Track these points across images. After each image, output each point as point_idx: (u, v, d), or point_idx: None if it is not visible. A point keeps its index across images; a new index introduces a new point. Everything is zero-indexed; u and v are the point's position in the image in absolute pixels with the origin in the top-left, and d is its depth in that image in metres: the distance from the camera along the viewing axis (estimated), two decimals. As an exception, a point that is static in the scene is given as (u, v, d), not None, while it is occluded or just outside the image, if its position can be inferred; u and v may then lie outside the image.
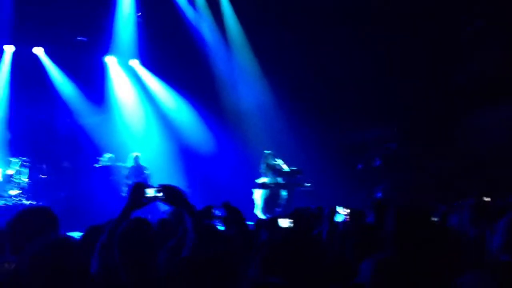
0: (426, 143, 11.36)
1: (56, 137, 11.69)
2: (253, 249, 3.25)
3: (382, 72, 11.42)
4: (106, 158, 10.87)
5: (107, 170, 10.74)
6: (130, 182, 10.09)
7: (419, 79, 11.34)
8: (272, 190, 10.03)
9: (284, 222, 3.76)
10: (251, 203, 10.23)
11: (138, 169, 10.50)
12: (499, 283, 1.29)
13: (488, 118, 11.13)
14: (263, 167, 10.28)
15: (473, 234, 3.36)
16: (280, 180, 10.17)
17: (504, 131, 10.74)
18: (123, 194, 10.58)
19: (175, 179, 11.25)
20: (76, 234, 3.34)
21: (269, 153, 10.32)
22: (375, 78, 11.51)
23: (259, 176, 10.45)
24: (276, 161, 10.35)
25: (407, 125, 11.75)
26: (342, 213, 5.91)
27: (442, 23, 11.04)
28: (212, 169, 11.88)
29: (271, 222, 3.85)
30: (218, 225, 5.44)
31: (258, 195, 10.18)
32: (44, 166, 10.63)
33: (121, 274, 2.62)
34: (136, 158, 10.65)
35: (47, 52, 11.70)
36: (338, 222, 5.17)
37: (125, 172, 10.75)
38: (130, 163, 10.72)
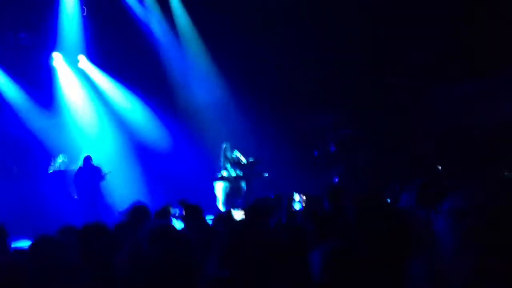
0: (380, 126, 11.60)
1: (4, 141, 11.27)
2: (211, 244, 3.27)
3: (333, 56, 11.54)
4: (58, 162, 10.58)
5: (60, 174, 10.47)
6: (81, 184, 9.83)
7: (372, 61, 11.50)
8: (232, 183, 10.06)
9: (239, 214, 3.80)
10: (214, 197, 10.23)
11: (91, 171, 10.13)
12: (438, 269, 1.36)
13: (442, 99, 11.48)
14: (222, 160, 10.29)
15: (421, 215, 3.47)
16: (238, 172, 10.21)
17: (459, 111, 11.10)
18: (75, 197, 10.37)
19: (133, 179, 11.13)
20: (26, 243, 3.25)
21: (226, 146, 10.32)
22: (327, 63, 11.62)
23: (218, 170, 10.45)
24: (233, 153, 10.36)
25: (361, 109, 11.94)
26: (298, 199, 6.02)
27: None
28: (171, 166, 11.77)
29: (227, 215, 3.88)
30: (177, 223, 5.44)
31: (219, 189, 10.19)
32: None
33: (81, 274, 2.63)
34: (87, 158, 10.21)
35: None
36: (296, 210, 5.25)
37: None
38: (78, 163, 10.34)
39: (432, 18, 10.85)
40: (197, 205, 4.55)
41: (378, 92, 11.59)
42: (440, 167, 9.97)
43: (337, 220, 3.65)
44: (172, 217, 5.00)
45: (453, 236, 0.90)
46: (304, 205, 4.71)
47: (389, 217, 2.67)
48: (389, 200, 4.78)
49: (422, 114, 11.56)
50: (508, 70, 10.50)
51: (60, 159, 10.63)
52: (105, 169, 10.41)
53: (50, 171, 10.57)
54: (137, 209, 4.14)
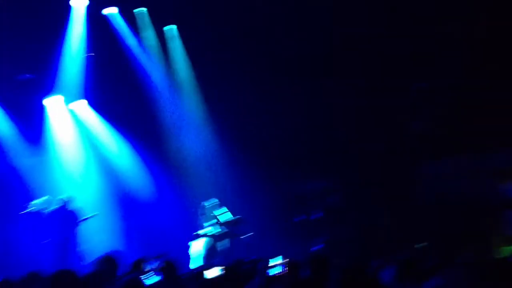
0: (369, 197, 11.59)
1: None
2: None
3: (329, 122, 11.69)
4: (38, 202, 10.32)
5: (34, 216, 10.16)
6: (53, 228, 9.62)
7: (365, 134, 11.67)
8: (212, 240, 9.85)
9: (213, 272, 3.69)
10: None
11: (65, 214, 9.84)
12: None
13: (430, 174, 11.59)
14: (203, 217, 10.15)
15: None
16: (220, 229, 10.04)
17: (447, 185, 11.19)
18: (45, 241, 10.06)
19: (112, 226, 10.92)
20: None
21: (210, 204, 10.21)
22: (322, 129, 11.76)
23: (200, 226, 10.27)
24: (218, 210, 10.25)
25: (350, 178, 11.96)
26: (279, 264, 5.88)
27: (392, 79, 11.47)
28: (152, 217, 11.57)
29: (197, 275, 3.75)
30: (150, 276, 5.26)
31: (199, 246, 9.97)
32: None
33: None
34: (64, 201, 9.97)
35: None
36: (274, 275, 5.11)
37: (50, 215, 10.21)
38: (56, 206, 10.02)
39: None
40: (173, 262, 4.44)
41: (366, 162, 11.68)
42: (422, 245, 9.91)
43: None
44: (149, 270, 4.85)
45: None
46: (285, 270, 4.60)
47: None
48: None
49: (407, 189, 11.62)
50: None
51: (41, 200, 10.39)
52: (87, 212, 10.17)
53: (24, 212, 10.27)
54: (106, 260, 4.02)
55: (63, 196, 10.19)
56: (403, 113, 11.80)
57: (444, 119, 11.22)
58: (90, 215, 9.82)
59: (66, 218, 9.81)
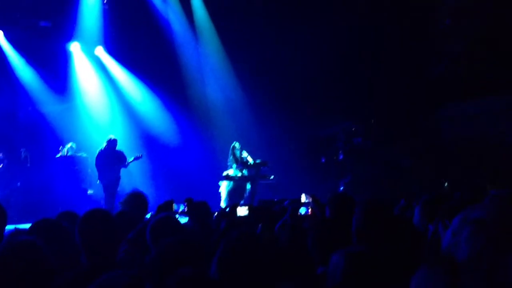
0: (391, 138, 11.56)
1: (16, 125, 11.34)
2: (213, 240, 3.25)
3: (349, 65, 11.53)
4: (67, 148, 10.61)
5: (68, 160, 10.47)
6: (102, 167, 9.42)
7: (387, 74, 11.49)
8: (236, 182, 10.01)
9: (242, 211, 3.77)
10: (218, 195, 10.21)
11: (114, 154, 9.67)
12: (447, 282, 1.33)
13: (454, 114, 11.44)
14: (230, 159, 10.24)
15: (426, 229, 3.43)
16: (245, 172, 10.16)
17: (472, 126, 11.06)
18: (83, 186, 10.33)
19: (139, 172, 11.13)
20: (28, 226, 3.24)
21: (236, 145, 10.28)
22: (343, 71, 11.61)
23: (225, 168, 10.42)
24: (242, 153, 10.33)
25: (374, 119, 11.91)
26: (305, 200, 5.99)
27: (412, 19, 11.18)
28: (178, 162, 11.77)
29: (230, 211, 3.84)
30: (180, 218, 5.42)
31: (223, 188, 10.16)
32: (1, 154, 10.26)
33: (81, 259, 2.61)
34: (112, 141, 9.68)
35: (7, 36, 11.30)
36: (301, 214, 5.22)
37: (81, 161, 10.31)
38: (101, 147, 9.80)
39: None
40: (204, 201, 4.54)
41: (391, 105, 11.57)
42: (446, 183, 9.92)
43: (338, 227, 3.60)
44: (175, 213, 4.99)
45: (470, 245, 0.87)
46: (310, 208, 4.69)
47: (397, 225, 2.65)
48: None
49: (430, 131, 11.54)
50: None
51: (68, 145, 10.65)
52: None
53: (57, 156, 10.60)
54: (136, 197, 4.12)
55: (106, 137, 10.00)
56: (426, 54, 11.52)
57: (466, 59, 10.94)
58: (135, 157, 9.71)
59: (113, 157, 9.53)
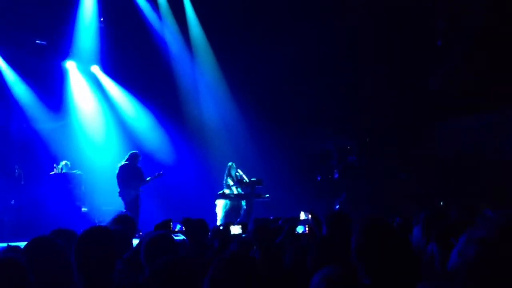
0: (387, 155, 11.57)
1: (10, 142, 11.26)
2: (207, 258, 3.21)
3: (345, 82, 11.57)
4: (61, 165, 10.54)
5: (62, 177, 10.39)
6: (126, 181, 9.13)
7: (382, 89, 11.55)
8: (232, 201, 9.97)
9: (236, 229, 3.73)
10: (214, 214, 10.15)
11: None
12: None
13: (451, 129, 11.49)
14: (225, 177, 10.22)
15: (425, 247, 3.40)
16: (240, 190, 10.13)
17: (468, 142, 11.09)
18: (77, 203, 10.23)
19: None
20: (23, 244, 3.19)
21: (231, 164, 10.27)
22: (339, 89, 11.65)
23: (221, 187, 10.37)
24: (237, 172, 10.31)
25: (368, 138, 11.94)
26: (304, 217, 5.95)
27: (409, 34, 11.26)
28: (174, 179, 11.70)
29: (224, 229, 3.80)
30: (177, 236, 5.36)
31: (220, 206, 10.11)
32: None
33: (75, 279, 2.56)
34: (135, 155, 9.42)
35: (3, 54, 11.31)
36: (298, 234, 5.17)
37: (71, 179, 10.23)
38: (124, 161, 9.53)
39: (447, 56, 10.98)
40: (202, 219, 4.49)
41: (385, 123, 11.60)
42: (441, 202, 9.91)
43: (336, 245, 3.58)
44: (173, 232, 4.93)
45: (477, 264, 0.85)
46: (307, 226, 4.65)
47: (397, 243, 2.62)
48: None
49: (425, 148, 11.56)
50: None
51: (63, 162, 10.59)
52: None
53: (52, 174, 10.52)
54: (122, 218, 4.04)
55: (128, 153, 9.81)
56: (422, 69, 11.60)
57: (464, 74, 11.02)
58: (156, 175, 9.45)
59: (136, 172, 9.27)
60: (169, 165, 11.86)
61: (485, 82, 10.53)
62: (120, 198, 9.17)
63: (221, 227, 4.26)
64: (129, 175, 9.12)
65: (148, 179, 9.31)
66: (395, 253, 2.63)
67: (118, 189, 9.34)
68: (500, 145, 10.78)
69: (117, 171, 9.26)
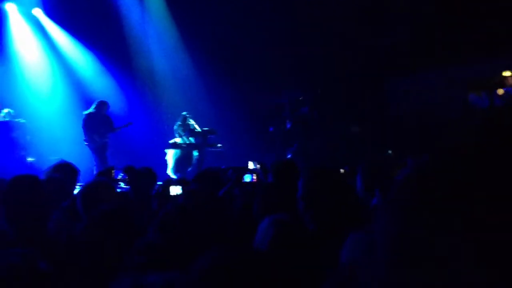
0: (338, 108, 11.67)
1: None
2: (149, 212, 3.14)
3: (299, 34, 11.46)
4: (4, 113, 10.07)
5: (4, 126, 9.95)
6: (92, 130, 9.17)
7: (339, 42, 11.50)
8: (184, 150, 9.90)
9: (176, 189, 3.65)
10: (164, 162, 10.06)
11: (103, 118, 9.38)
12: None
13: (401, 87, 11.66)
14: (177, 125, 10.11)
15: (364, 196, 3.46)
16: (192, 140, 10.05)
17: (421, 98, 11.30)
18: (21, 152, 9.88)
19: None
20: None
21: (184, 114, 10.15)
22: (293, 39, 11.54)
23: (172, 137, 10.26)
24: (190, 121, 10.20)
25: (320, 89, 11.97)
26: (252, 167, 5.97)
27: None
28: (123, 129, 11.45)
29: (163, 190, 3.70)
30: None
31: (170, 156, 10.03)
32: None
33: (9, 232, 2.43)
34: (102, 104, 9.44)
35: None
36: (246, 182, 5.17)
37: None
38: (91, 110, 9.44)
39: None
40: (149, 168, 4.36)
41: (337, 75, 11.64)
42: (390, 151, 10.16)
43: (282, 192, 3.58)
44: (115, 181, 4.81)
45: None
46: (255, 175, 4.65)
47: (343, 190, 2.64)
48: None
49: (377, 102, 11.74)
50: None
51: (5, 110, 10.12)
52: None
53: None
54: (62, 166, 3.87)
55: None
56: (372, 27, 11.60)
57: (414, 31, 11.09)
58: (126, 124, 9.54)
59: (102, 121, 9.29)
60: (119, 114, 11.54)
61: (436, 38, 10.66)
62: (86, 145, 9.25)
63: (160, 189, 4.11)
64: (96, 122, 9.16)
65: (117, 128, 9.39)
66: (340, 199, 2.65)
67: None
68: (447, 103, 11.05)
69: (82, 118, 9.27)
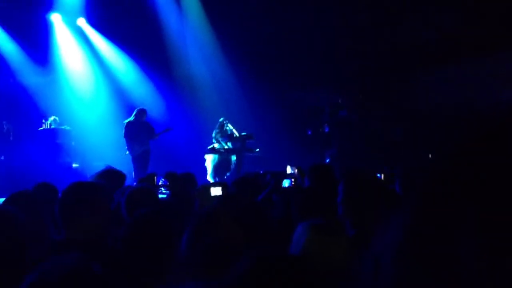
0: (377, 110, 11.54)
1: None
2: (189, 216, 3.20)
3: (335, 36, 11.40)
4: (50, 121, 10.45)
5: (51, 133, 10.32)
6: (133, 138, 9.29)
7: (372, 46, 11.41)
8: (222, 155, 9.98)
9: (216, 190, 3.69)
10: (204, 169, 10.18)
11: (142, 126, 9.59)
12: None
13: (435, 78, 11.42)
14: (215, 132, 10.19)
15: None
16: (230, 145, 10.12)
17: (450, 92, 11.04)
18: (67, 159, 10.20)
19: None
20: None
21: (222, 120, 10.23)
22: (330, 44, 11.49)
23: (210, 142, 10.37)
24: (228, 127, 10.28)
25: (361, 94, 11.86)
26: (290, 171, 5.99)
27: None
28: (163, 134, 11.67)
29: (203, 191, 3.76)
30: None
31: (209, 161, 10.14)
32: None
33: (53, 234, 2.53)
34: (142, 111, 9.56)
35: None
36: (284, 188, 5.20)
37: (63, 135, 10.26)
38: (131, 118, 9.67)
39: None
40: (190, 173, 4.46)
41: (376, 78, 11.53)
42: (430, 155, 9.95)
43: (319, 196, 3.58)
44: (157, 187, 4.92)
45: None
46: (293, 180, 4.67)
47: (383, 194, 2.63)
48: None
49: (414, 101, 11.52)
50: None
51: (51, 118, 10.50)
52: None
53: (40, 129, 10.45)
54: (109, 172, 3.96)
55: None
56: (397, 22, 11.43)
57: (440, 25, 10.86)
58: (165, 129, 9.67)
59: (143, 128, 9.44)
60: (159, 120, 11.78)
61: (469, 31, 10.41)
62: (128, 154, 9.38)
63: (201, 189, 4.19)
64: (137, 131, 9.27)
65: (156, 134, 9.51)
66: (380, 204, 2.64)
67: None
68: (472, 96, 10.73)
69: (123, 127, 9.40)
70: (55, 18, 11.59)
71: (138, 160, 9.32)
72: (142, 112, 9.51)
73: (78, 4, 11.51)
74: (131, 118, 9.46)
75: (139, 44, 11.86)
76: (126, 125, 9.41)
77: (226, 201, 2.76)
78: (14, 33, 11.07)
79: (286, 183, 4.69)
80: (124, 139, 9.38)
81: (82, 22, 11.87)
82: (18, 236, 2.09)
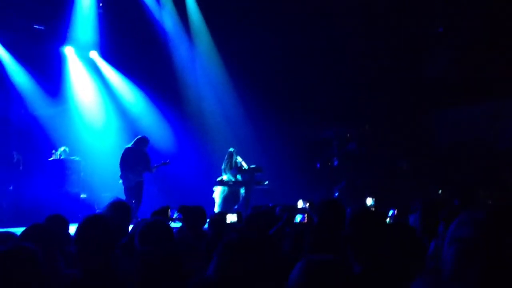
0: (386, 143, 11.53)
1: (8, 128, 11.21)
2: (205, 246, 3.19)
3: (346, 70, 11.51)
4: (60, 151, 10.52)
5: (60, 164, 10.38)
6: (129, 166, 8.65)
7: (381, 79, 11.50)
8: (231, 188, 9.95)
9: (232, 217, 3.70)
10: (212, 200, 10.14)
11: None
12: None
13: (449, 118, 11.45)
14: (224, 164, 10.17)
15: (422, 234, 3.38)
16: (239, 177, 10.10)
17: (464, 130, 11.06)
18: (75, 189, 10.21)
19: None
20: (20, 230, 3.17)
21: (232, 151, 10.21)
22: (338, 76, 11.59)
23: (219, 174, 10.35)
24: (237, 159, 10.28)
25: (368, 125, 11.89)
26: (302, 206, 5.95)
27: (406, 24, 11.19)
28: (172, 166, 11.68)
29: (219, 218, 3.76)
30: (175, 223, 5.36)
31: (218, 193, 10.10)
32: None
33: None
34: (143, 140, 8.90)
35: (0, 39, 11.21)
36: (296, 223, 5.16)
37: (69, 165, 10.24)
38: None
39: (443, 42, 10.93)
40: (200, 206, 4.44)
41: (385, 110, 11.57)
42: (440, 191, 9.90)
43: (327, 232, 3.56)
44: (171, 220, 4.91)
45: (453, 263, 0.82)
46: (306, 215, 4.63)
47: (385, 231, 2.60)
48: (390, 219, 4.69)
49: (424, 136, 11.54)
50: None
51: (61, 149, 10.57)
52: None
53: (50, 160, 10.51)
54: (117, 204, 3.97)
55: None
56: (420, 58, 11.54)
57: (461, 63, 10.96)
58: (162, 163, 9.03)
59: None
60: (168, 151, 11.83)
61: (484, 71, 10.48)
62: (121, 182, 8.78)
63: (217, 216, 4.19)
64: (133, 159, 8.57)
65: (153, 167, 8.87)
66: (388, 243, 2.60)
67: (118, 174, 9.05)
68: (496, 134, 10.76)
69: (122, 153, 8.77)
70: (68, 51, 11.81)
71: (131, 192, 8.56)
72: (144, 140, 8.83)
73: (91, 38, 11.74)
74: (130, 145, 8.80)
75: (149, 76, 12.04)
76: (125, 151, 8.71)
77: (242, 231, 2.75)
78: (28, 65, 11.27)
79: (298, 217, 4.65)
80: (119, 166, 8.66)
81: (94, 55, 12.10)
82: (39, 273, 2.10)
